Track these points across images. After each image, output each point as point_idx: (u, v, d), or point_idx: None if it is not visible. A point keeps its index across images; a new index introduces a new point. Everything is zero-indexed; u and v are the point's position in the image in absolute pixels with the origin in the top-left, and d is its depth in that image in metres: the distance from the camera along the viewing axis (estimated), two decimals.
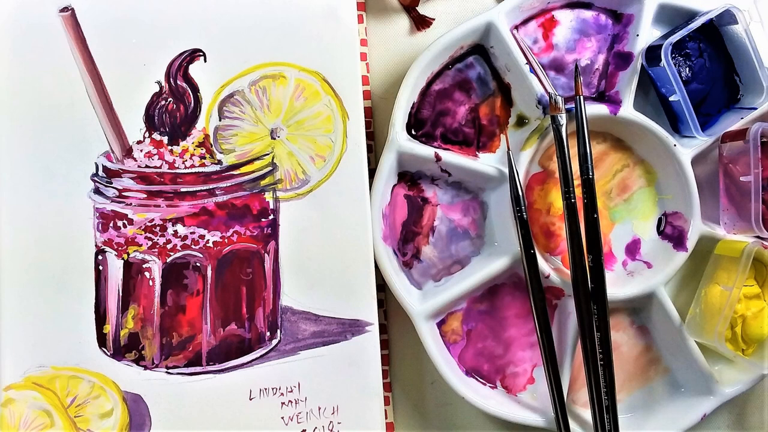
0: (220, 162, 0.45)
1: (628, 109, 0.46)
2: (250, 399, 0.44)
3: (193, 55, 0.45)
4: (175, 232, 0.44)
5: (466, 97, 0.47)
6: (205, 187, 0.44)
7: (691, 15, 0.46)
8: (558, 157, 0.44)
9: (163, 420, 0.44)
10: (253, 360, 0.45)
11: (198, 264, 0.45)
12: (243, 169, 0.45)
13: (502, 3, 0.45)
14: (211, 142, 0.45)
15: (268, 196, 0.45)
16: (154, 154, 0.44)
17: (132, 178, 0.44)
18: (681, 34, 0.43)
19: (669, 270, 0.46)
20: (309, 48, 0.45)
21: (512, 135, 0.47)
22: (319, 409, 0.45)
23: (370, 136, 0.48)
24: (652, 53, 0.44)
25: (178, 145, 0.45)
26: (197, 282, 0.45)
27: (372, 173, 0.46)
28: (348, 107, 0.45)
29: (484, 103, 0.47)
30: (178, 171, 0.44)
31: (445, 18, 0.49)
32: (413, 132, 0.46)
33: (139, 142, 0.45)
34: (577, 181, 0.45)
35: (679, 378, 0.48)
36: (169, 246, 0.44)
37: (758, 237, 0.45)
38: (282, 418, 0.44)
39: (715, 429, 0.50)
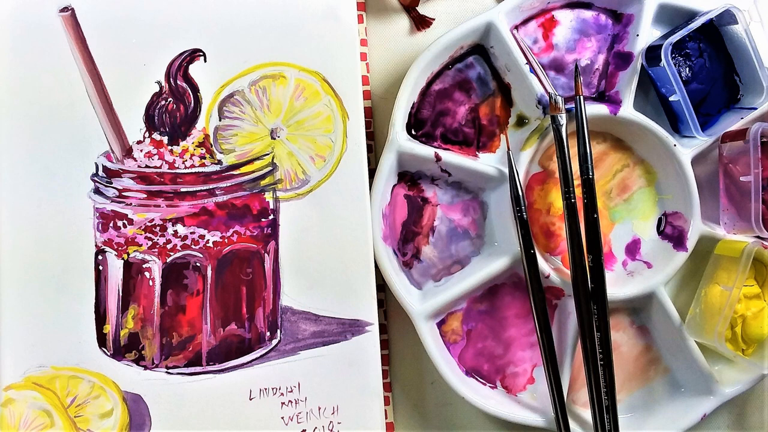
0: (220, 162, 0.45)
1: (628, 109, 0.46)
2: (250, 399, 0.44)
3: (193, 55, 0.45)
4: (175, 232, 0.44)
5: (466, 97, 0.47)
6: (205, 187, 0.44)
7: (691, 15, 0.46)
8: (558, 157, 0.44)
9: (163, 420, 0.44)
10: (253, 360, 0.45)
11: (198, 264, 0.45)
12: (243, 169, 0.45)
13: (502, 3, 0.45)
14: (211, 142, 0.45)
15: (268, 196, 0.45)
16: (154, 154, 0.44)
17: (132, 178, 0.44)
18: (681, 34, 0.43)
19: (669, 270, 0.46)
20: (309, 48, 0.45)
21: (512, 135, 0.47)
22: (319, 409, 0.45)
23: (370, 136, 0.48)
24: (652, 53, 0.45)
25: (178, 145, 0.45)
26: (197, 282, 0.45)
27: (372, 173, 0.46)
28: (348, 107, 0.45)
29: (484, 103, 0.47)
30: (178, 171, 0.44)
31: (445, 18, 0.49)
32: (413, 132, 0.46)
33: (139, 142, 0.45)
34: (577, 181, 0.45)
35: (679, 378, 0.48)
36: (169, 246, 0.44)
37: (758, 237, 0.45)
38: (282, 418, 0.44)
39: (715, 429, 0.50)
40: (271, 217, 0.45)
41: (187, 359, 0.44)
